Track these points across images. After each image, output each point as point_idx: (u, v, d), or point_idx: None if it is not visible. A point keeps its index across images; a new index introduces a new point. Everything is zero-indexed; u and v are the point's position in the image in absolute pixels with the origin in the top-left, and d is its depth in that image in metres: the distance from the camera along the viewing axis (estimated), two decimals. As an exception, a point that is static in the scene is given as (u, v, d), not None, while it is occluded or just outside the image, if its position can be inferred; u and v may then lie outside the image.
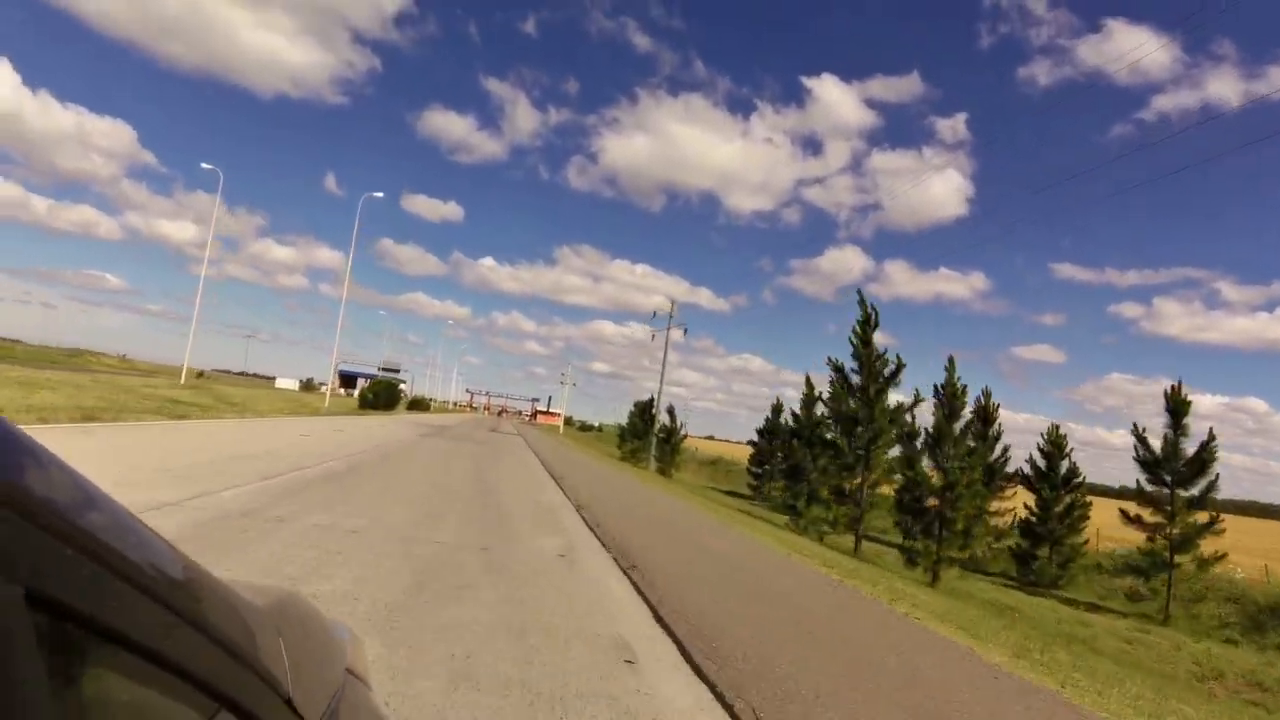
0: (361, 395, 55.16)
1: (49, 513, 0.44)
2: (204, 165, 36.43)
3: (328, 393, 36.94)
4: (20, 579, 0.41)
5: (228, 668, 0.62)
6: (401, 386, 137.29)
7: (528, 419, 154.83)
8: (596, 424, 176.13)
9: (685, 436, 40.79)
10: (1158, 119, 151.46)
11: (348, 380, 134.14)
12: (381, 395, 59.37)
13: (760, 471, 41.02)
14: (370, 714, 1.10)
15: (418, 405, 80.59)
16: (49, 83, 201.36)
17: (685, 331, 42.00)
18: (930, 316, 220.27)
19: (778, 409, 41.42)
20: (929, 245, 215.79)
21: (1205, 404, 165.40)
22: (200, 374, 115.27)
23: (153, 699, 0.55)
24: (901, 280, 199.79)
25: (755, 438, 43.05)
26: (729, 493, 40.66)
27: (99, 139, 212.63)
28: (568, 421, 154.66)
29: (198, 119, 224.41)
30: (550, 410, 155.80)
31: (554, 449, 34.63)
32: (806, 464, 25.48)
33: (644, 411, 45.07)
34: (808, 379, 33.78)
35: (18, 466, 0.43)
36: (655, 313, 43.60)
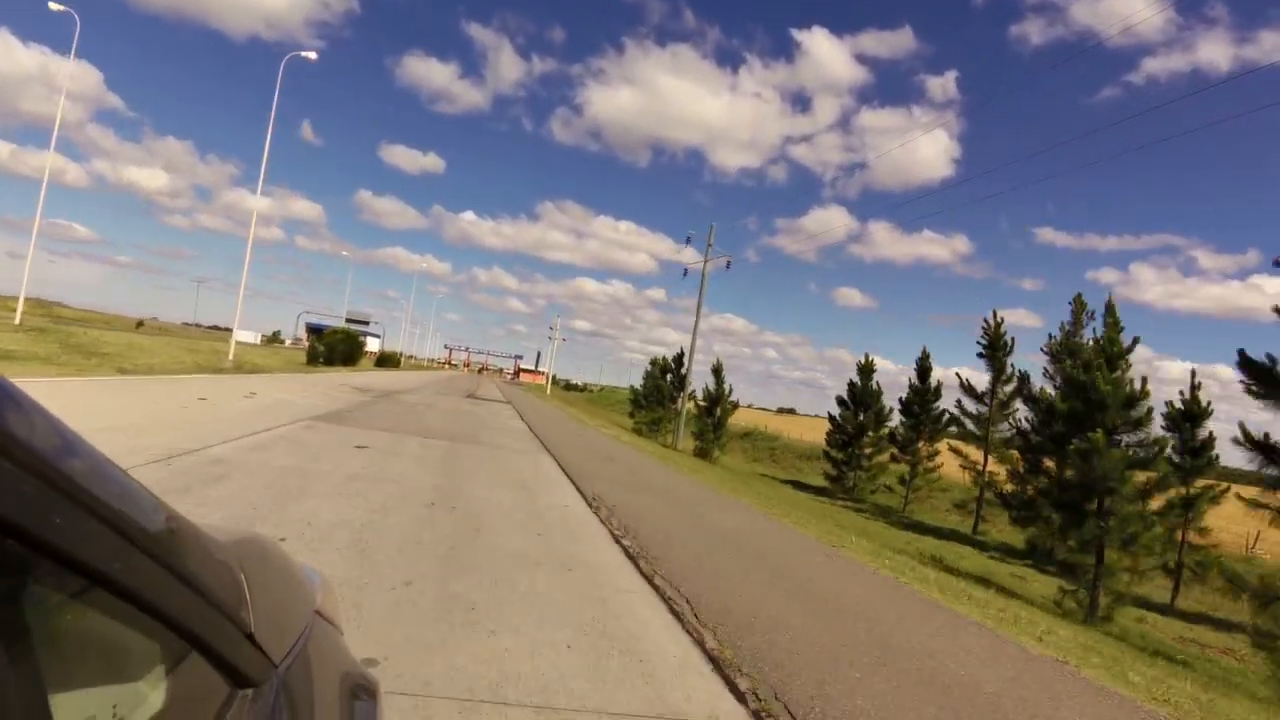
0: (311, 349, 44.83)
1: (31, 455, 0.46)
2: (53, 6, 24.71)
3: (232, 344, 26.48)
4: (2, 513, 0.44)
5: (192, 604, 0.64)
6: (370, 341, 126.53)
7: (510, 378, 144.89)
8: (580, 383, 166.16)
9: (736, 406, 31.00)
10: (1147, 82, 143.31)
11: (317, 334, 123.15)
12: (338, 349, 48.98)
13: (844, 459, 30.75)
14: (338, 654, 1.12)
15: (387, 361, 70.18)
16: (10, 21, 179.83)
17: (729, 264, 32.00)
18: (912, 278, 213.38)
19: (868, 370, 31.66)
20: (914, 206, 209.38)
21: (1174, 370, 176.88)
22: (140, 323, 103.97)
23: (117, 630, 0.58)
24: (884, 242, 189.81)
25: (836, 408, 31.99)
26: (795, 484, 31.26)
27: (64, 81, 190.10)
28: (551, 381, 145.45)
29: (169, 62, 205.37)
30: (535, 369, 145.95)
31: (558, 425, 24.83)
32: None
33: (666, 371, 35.22)
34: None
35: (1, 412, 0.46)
36: (689, 237, 33.36)
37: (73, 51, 26.96)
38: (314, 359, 41.99)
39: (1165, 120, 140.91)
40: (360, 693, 1.14)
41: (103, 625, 0.58)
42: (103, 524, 0.52)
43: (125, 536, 0.55)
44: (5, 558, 0.46)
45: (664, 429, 33.03)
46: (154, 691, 0.64)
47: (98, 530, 0.52)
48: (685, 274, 35.42)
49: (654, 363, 35.68)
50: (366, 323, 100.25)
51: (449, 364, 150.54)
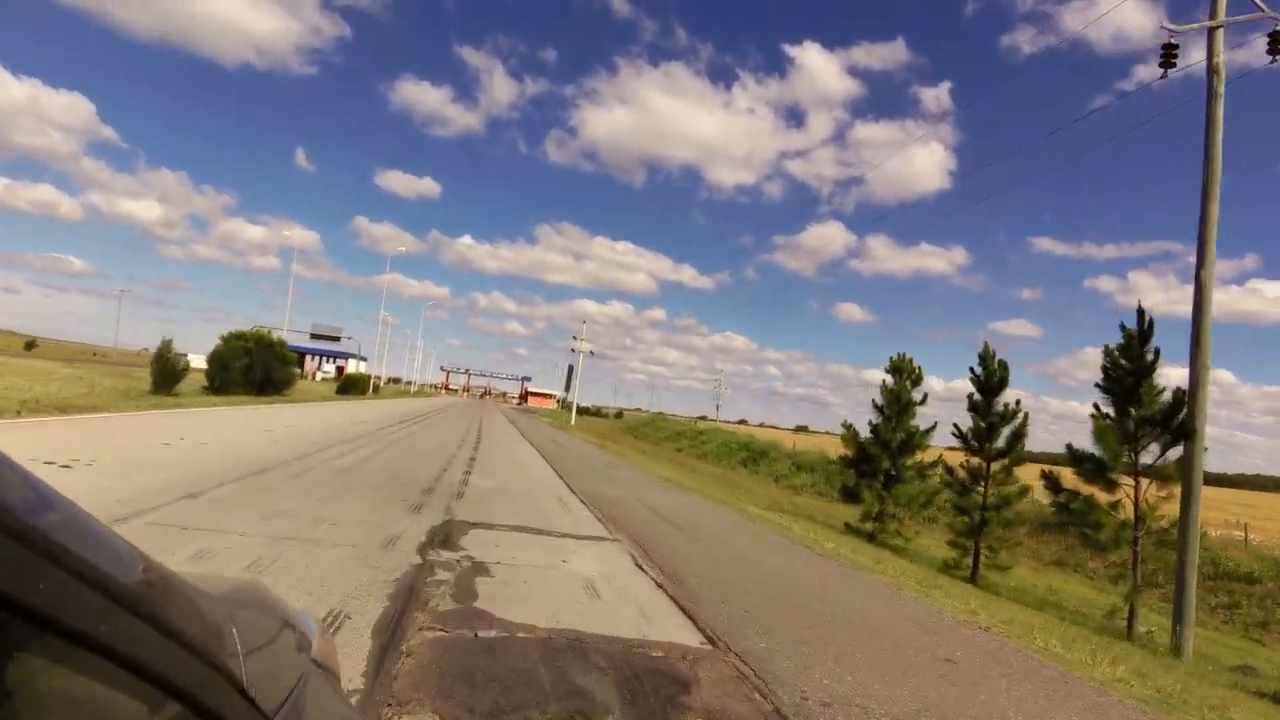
0: (161, 367, 23.80)
1: (5, 513, 0.44)
2: None
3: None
4: None
5: (178, 659, 0.60)
6: (352, 363, 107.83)
7: (516, 402, 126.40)
8: (593, 407, 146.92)
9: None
10: (1138, 88, 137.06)
11: (300, 360, 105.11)
12: (241, 367, 30.56)
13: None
14: (335, 703, 1.07)
15: (351, 388, 51.73)
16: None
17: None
18: (910, 291, 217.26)
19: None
20: (911, 219, 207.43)
21: (1175, 377, 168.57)
22: (30, 344, 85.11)
23: (101, 692, 0.54)
24: (883, 255, 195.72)
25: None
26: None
27: (57, 113, 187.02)
28: (575, 409, 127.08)
29: (159, 91, 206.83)
30: (544, 391, 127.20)
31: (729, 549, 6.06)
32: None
33: (991, 388, 16.43)
34: None
35: None
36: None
37: None
38: (163, 384, 23.36)
39: (1159, 125, 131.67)
40: None
41: (88, 688, 0.53)
42: (83, 582, 0.49)
43: (107, 594, 0.51)
44: None
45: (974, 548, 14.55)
46: None
47: (78, 589, 0.48)
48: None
49: (893, 359, 16.89)
50: (337, 338, 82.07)
51: (447, 388, 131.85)
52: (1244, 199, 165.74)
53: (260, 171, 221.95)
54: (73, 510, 0.52)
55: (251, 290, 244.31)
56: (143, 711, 0.58)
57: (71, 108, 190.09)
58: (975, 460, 13.87)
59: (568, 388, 58.85)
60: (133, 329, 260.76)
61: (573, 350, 58.80)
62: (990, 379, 13.46)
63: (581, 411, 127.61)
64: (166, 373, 25.32)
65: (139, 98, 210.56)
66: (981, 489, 13.58)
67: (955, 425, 14.31)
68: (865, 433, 17.20)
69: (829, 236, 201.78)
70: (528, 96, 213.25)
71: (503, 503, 8.44)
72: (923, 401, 16.58)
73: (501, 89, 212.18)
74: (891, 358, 16.92)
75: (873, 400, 17.01)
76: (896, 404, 16.41)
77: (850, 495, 17.02)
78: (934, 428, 16.33)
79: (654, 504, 10.91)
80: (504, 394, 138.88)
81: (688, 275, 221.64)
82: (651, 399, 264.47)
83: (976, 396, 13.74)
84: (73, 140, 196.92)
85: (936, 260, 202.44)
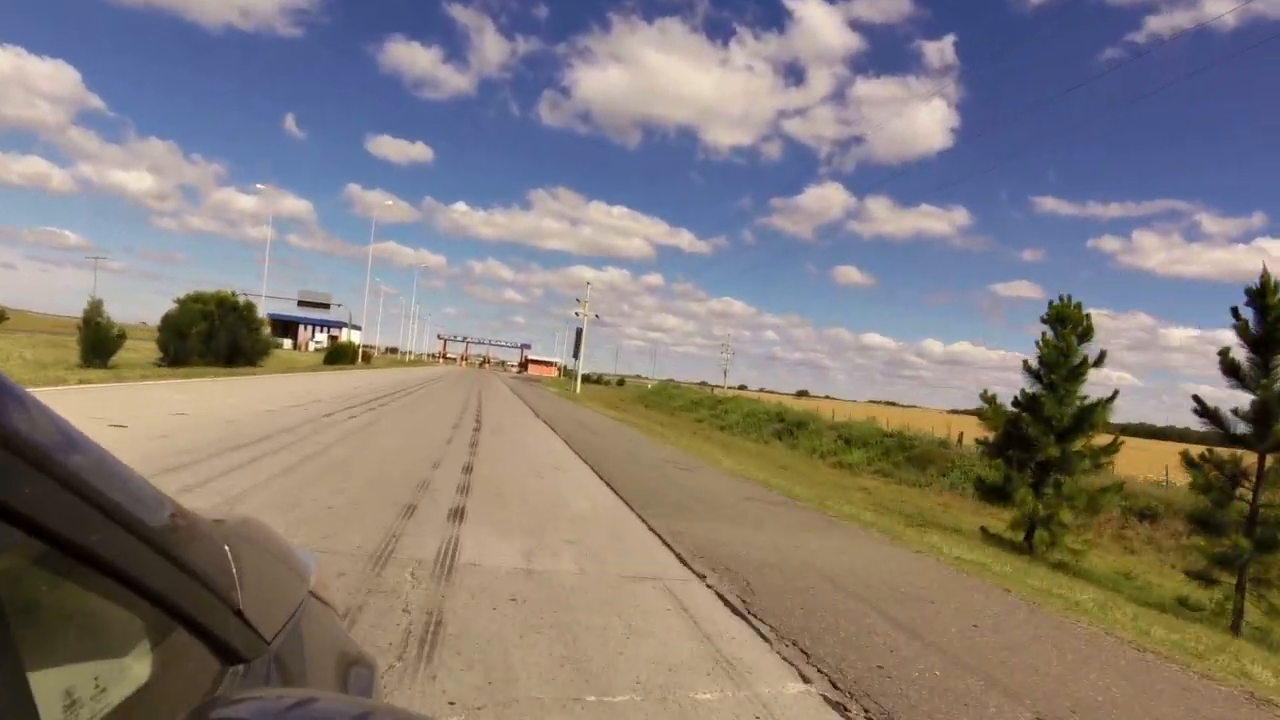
0: (88, 334, 19.57)
1: (29, 447, 0.48)
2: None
3: None
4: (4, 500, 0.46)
5: (174, 578, 0.64)
6: (348, 333, 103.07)
7: (516, 371, 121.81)
8: (591, 374, 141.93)
9: None
10: (1149, 40, 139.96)
11: (283, 327, 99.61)
12: (200, 334, 25.76)
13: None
14: (334, 633, 1.12)
15: (340, 357, 46.95)
16: None
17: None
18: (911, 253, 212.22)
19: None
20: (912, 179, 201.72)
21: (1177, 336, 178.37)
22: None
23: (97, 604, 0.60)
24: (883, 217, 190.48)
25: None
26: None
27: (42, 82, 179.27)
28: (580, 377, 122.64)
29: (144, 57, 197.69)
30: (545, 359, 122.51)
31: None
32: None
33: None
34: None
35: (3, 408, 0.47)
36: None
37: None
38: (93, 355, 18.70)
39: (1167, 80, 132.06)
40: (358, 668, 1.12)
41: (84, 600, 0.59)
42: (89, 504, 0.53)
43: (112, 516, 0.55)
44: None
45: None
46: (138, 665, 0.64)
47: (92, 515, 0.53)
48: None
49: (1061, 310, 12.06)
50: (326, 305, 77.04)
51: (444, 357, 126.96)
52: (1254, 154, 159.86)
53: (250, 139, 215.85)
54: (90, 445, 0.56)
55: (247, 260, 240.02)
56: (140, 627, 0.64)
57: (56, 76, 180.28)
58: (1229, 453, 9.19)
59: (576, 354, 53.91)
60: (126, 302, 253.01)
61: (576, 314, 53.77)
62: (1275, 328, 8.63)
63: (584, 380, 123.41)
64: (97, 342, 20.51)
65: (124, 64, 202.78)
66: (1248, 495, 8.91)
67: (1197, 399, 9.58)
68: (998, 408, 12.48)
69: (828, 198, 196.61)
70: (519, 56, 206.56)
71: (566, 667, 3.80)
72: (1099, 362, 11.84)
73: (493, 48, 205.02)
74: (1052, 303, 12.10)
75: (1024, 363, 12.24)
76: (1064, 366, 11.65)
77: (994, 493, 12.36)
78: (1114, 397, 11.63)
79: (829, 569, 6.21)
80: (503, 363, 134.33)
81: (685, 240, 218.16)
82: (653, 365, 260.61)
83: (1242, 354, 8.98)
84: (60, 110, 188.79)
85: (937, 221, 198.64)
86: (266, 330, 33.80)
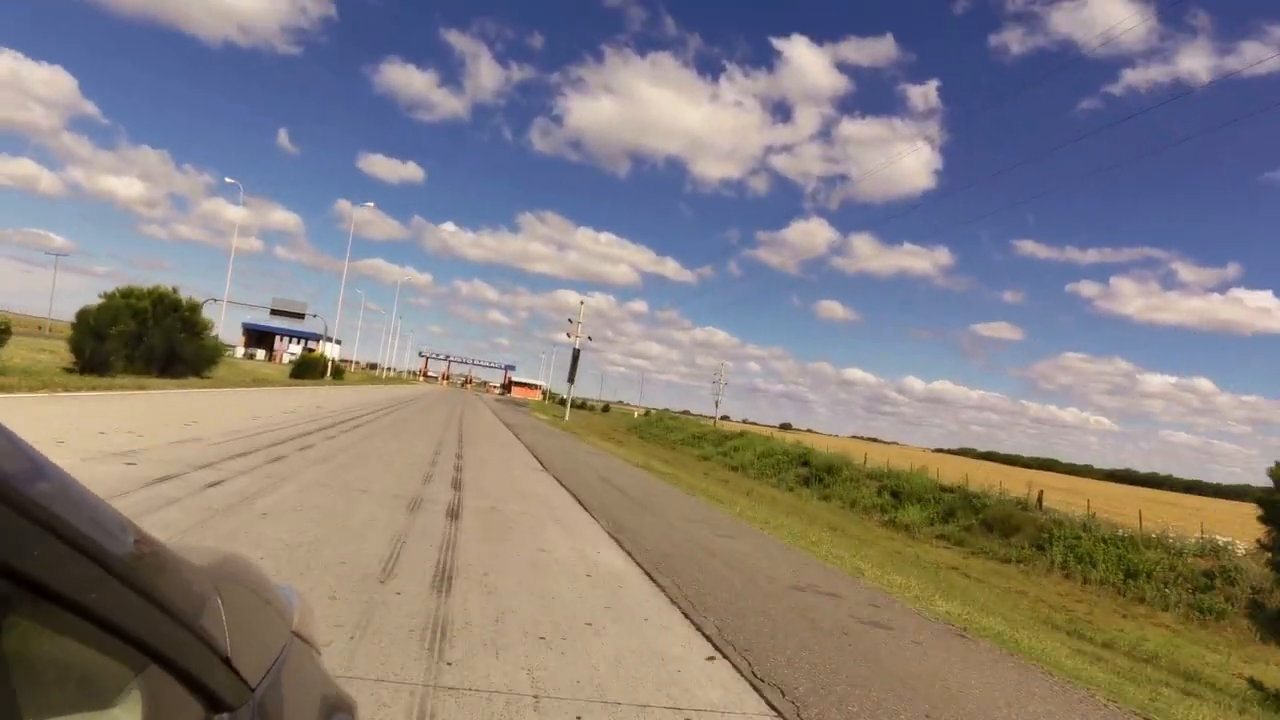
0: (78, 335, 15.36)
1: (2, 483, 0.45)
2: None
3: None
4: None
5: (165, 626, 0.62)
6: (325, 346, 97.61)
7: (498, 392, 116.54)
8: (575, 399, 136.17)
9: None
10: (1126, 93, 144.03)
11: (257, 337, 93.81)
12: (144, 339, 20.74)
13: None
14: (315, 676, 1.08)
15: (308, 371, 41.79)
16: None
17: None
18: (894, 292, 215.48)
19: None
20: (895, 218, 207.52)
21: (1155, 383, 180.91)
22: None
23: (87, 655, 0.56)
24: (867, 254, 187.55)
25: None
26: None
27: (38, 87, 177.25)
28: (569, 403, 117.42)
29: (142, 68, 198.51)
30: (528, 381, 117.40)
31: None
32: None
33: None
34: None
35: None
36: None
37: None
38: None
39: (1145, 131, 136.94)
40: (338, 713, 1.09)
41: (76, 652, 0.55)
42: (73, 549, 0.50)
43: (97, 561, 0.52)
44: None
45: None
46: (127, 716, 0.60)
47: (68, 555, 0.50)
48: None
49: None
50: (301, 315, 71.64)
51: (425, 375, 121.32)
52: (1229, 206, 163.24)
53: (242, 152, 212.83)
54: (66, 479, 0.53)
55: (235, 270, 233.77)
56: (130, 677, 0.59)
57: (52, 82, 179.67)
58: None
59: (571, 377, 49.20)
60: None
61: (566, 335, 49.18)
62: None
63: (560, 402, 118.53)
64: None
65: (121, 74, 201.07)
66: None
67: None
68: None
69: (813, 233, 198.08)
70: (513, 83, 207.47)
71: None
72: None
73: (487, 74, 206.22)
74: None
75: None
76: None
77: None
78: None
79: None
80: (485, 383, 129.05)
81: (670, 268, 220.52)
82: (639, 394, 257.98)
83: None
84: (54, 115, 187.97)
85: (920, 260, 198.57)
86: (214, 334, 28.84)
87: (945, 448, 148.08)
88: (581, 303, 50.09)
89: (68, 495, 0.52)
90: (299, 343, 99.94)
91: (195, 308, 25.73)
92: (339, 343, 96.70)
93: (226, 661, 0.71)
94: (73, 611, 0.51)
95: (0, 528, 0.43)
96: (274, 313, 69.71)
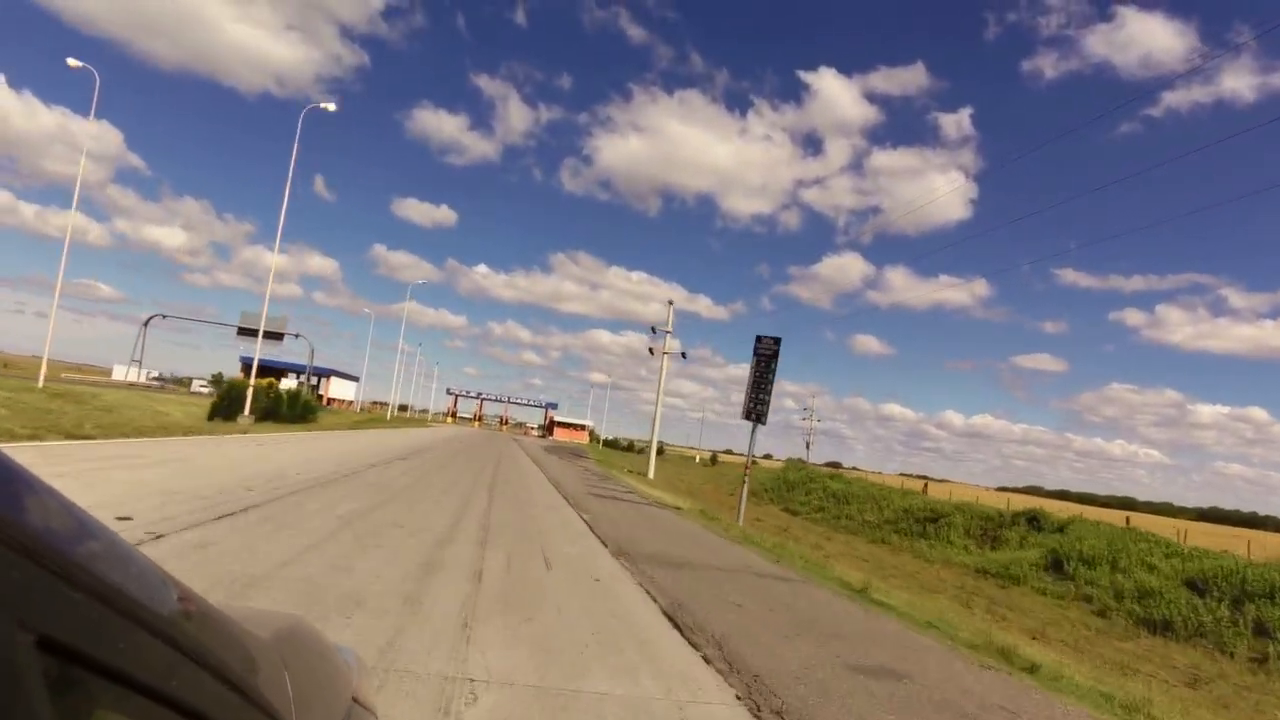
0: None
1: (46, 547, 0.42)
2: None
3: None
4: (21, 618, 0.39)
5: (231, 703, 0.59)
6: (339, 383, 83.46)
7: (539, 434, 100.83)
8: (612, 438, 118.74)
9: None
10: (1166, 114, 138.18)
11: (262, 373, 79.81)
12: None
13: None
14: None
15: (233, 408, 26.42)
16: (31, 83, 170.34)
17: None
18: (931, 324, 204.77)
19: None
20: (930, 250, 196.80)
21: (1206, 414, 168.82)
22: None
23: None
24: (901, 287, 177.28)
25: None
26: None
27: (86, 141, 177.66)
28: (593, 437, 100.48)
29: (184, 120, 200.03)
30: (573, 421, 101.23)
31: None
32: None
33: None
34: None
35: (13, 497, 0.41)
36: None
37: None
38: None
39: (1187, 153, 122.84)
40: None
41: None
42: (124, 617, 0.47)
43: (153, 631, 0.50)
44: (46, 672, 0.41)
45: None
46: None
47: (119, 623, 0.47)
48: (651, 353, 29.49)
49: None
50: (281, 336, 57.06)
51: (453, 416, 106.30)
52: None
53: (279, 199, 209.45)
54: (114, 539, 0.50)
55: (274, 315, 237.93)
56: None
57: (100, 136, 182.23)
58: None
59: (656, 417, 32.91)
60: (155, 355, 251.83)
61: (650, 352, 33.14)
62: None
63: (610, 445, 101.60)
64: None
65: (164, 127, 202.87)
66: None
67: None
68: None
69: (845, 267, 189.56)
70: (542, 124, 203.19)
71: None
72: None
73: (517, 116, 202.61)
74: None
75: None
76: None
77: None
78: None
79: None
80: (522, 424, 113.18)
81: (703, 305, 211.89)
82: (696, 434, 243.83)
83: None
84: (102, 168, 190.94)
85: (956, 292, 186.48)
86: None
87: (1008, 486, 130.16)
88: (670, 303, 33.96)
89: (114, 554, 0.48)
90: (297, 377, 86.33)
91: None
92: (355, 379, 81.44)
93: None
94: (133, 689, 0.47)
95: (52, 598, 0.40)
96: (241, 332, 54.97)
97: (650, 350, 33.44)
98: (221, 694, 0.57)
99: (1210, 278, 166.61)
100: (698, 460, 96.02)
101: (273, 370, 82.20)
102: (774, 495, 33.49)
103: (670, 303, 34.56)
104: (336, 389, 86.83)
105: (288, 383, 72.31)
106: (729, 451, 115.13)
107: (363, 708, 1.01)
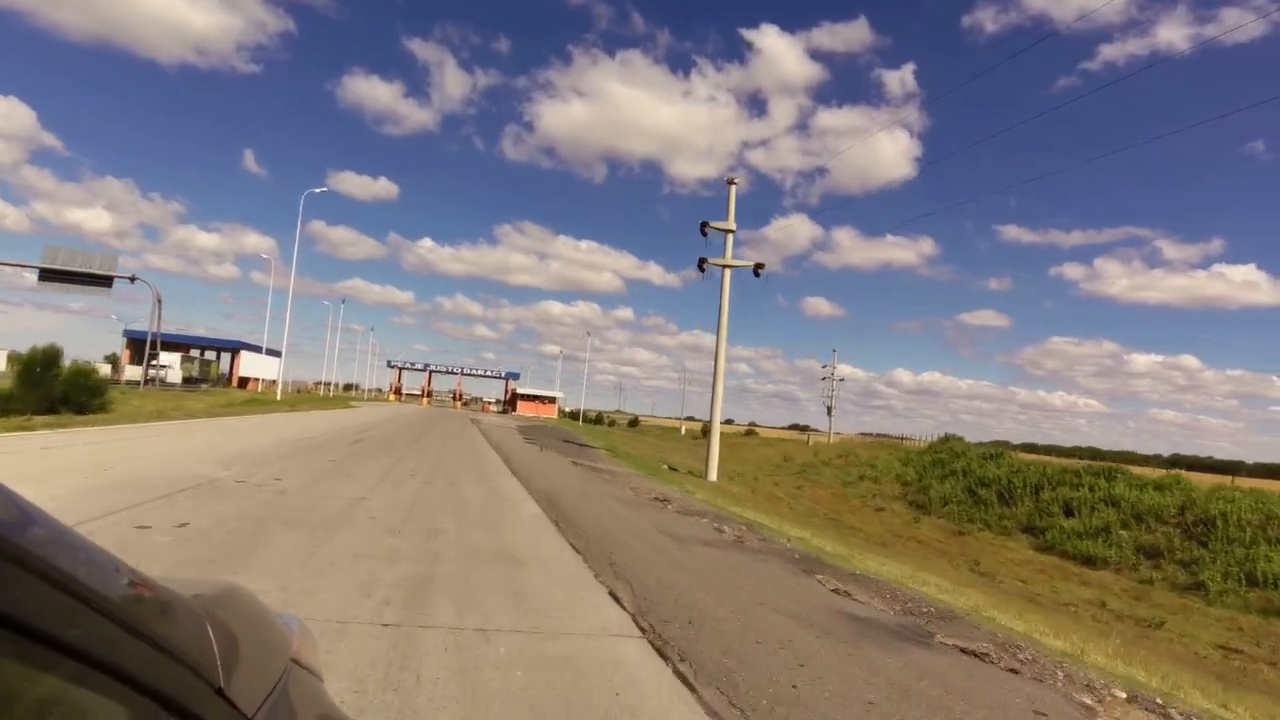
0: None
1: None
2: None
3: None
4: None
5: (154, 661, 0.62)
6: (250, 358, 70.18)
7: (496, 410, 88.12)
8: (593, 413, 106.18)
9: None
10: (1104, 68, 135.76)
11: (139, 348, 64.46)
12: None
13: None
14: (316, 702, 1.06)
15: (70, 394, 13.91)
16: None
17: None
18: (878, 283, 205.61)
19: None
20: (877, 209, 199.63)
21: (1141, 362, 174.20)
22: None
23: (82, 696, 0.56)
24: (849, 248, 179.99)
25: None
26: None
27: None
28: (562, 412, 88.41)
29: (101, 95, 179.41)
30: (539, 393, 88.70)
31: None
32: None
33: None
34: None
35: None
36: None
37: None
38: None
39: (1123, 106, 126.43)
40: None
41: (70, 693, 0.55)
42: (63, 591, 0.51)
43: (85, 601, 0.53)
44: None
45: None
46: None
47: (58, 598, 0.51)
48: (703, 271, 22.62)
49: None
50: (107, 279, 42.12)
51: (396, 392, 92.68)
52: (1211, 179, 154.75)
53: (209, 176, 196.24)
54: (53, 523, 0.54)
55: (213, 299, 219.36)
56: (119, 712, 0.59)
57: (10, 114, 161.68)
58: None
59: (717, 381, 20.87)
60: (90, 343, 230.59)
61: (700, 267, 21.17)
62: None
63: (576, 417, 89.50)
64: None
65: (80, 103, 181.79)
66: None
67: None
68: None
69: (794, 229, 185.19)
70: (481, 90, 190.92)
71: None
72: None
73: (454, 83, 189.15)
74: None
75: None
76: None
77: None
78: None
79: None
80: (478, 399, 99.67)
81: (654, 273, 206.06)
82: (617, 401, 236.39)
83: None
84: (15, 148, 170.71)
85: (903, 251, 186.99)
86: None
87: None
88: (732, 182, 21.97)
89: (56, 539, 0.53)
90: (201, 353, 71.26)
91: None
92: (277, 354, 66.86)
93: (220, 693, 0.70)
94: (65, 653, 0.51)
95: None
96: (45, 276, 39.73)
97: (700, 266, 21.57)
98: (143, 651, 0.58)
99: (1146, 230, 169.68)
100: (684, 432, 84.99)
101: (176, 346, 67.54)
102: (809, 473, 22.27)
103: (731, 182, 22.50)
104: (250, 365, 72.09)
105: (169, 357, 57.75)
106: (690, 418, 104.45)
107: (304, 669, 1.01)
